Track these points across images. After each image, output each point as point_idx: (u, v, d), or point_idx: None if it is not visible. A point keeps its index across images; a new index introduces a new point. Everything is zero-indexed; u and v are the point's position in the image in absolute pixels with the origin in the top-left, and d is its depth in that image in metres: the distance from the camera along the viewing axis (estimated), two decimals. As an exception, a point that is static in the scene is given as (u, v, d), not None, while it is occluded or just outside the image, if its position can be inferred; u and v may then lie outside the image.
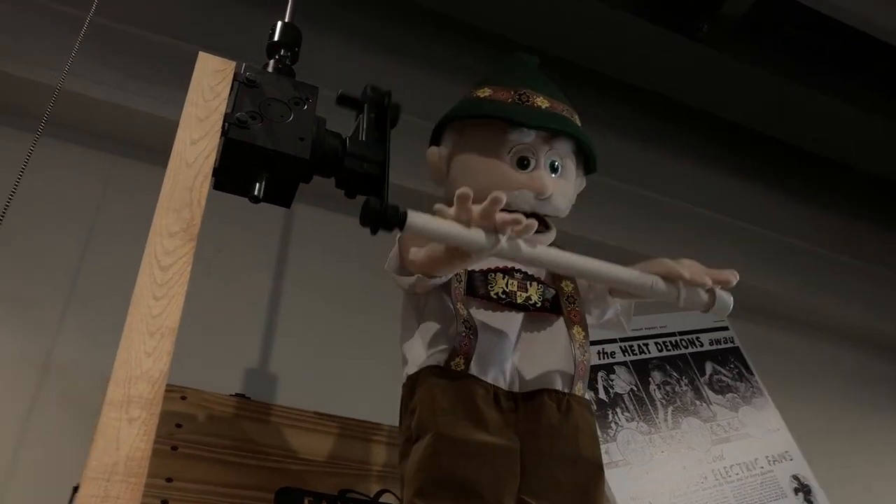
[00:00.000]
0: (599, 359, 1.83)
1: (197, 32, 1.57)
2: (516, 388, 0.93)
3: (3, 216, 0.86)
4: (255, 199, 0.88)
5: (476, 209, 0.79)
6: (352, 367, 1.39)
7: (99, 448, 0.58)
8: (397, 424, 0.96)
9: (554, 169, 1.02)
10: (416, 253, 0.90)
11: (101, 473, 0.57)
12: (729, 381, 1.96)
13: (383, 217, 0.76)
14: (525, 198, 0.99)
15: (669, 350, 1.94)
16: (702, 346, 2.00)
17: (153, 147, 1.30)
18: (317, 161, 0.87)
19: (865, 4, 2.03)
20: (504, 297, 0.95)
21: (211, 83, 0.85)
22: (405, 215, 0.76)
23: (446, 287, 0.95)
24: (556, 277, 1.02)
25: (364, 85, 0.92)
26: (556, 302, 0.99)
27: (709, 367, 1.97)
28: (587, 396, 0.97)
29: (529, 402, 0.92)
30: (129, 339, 0.64)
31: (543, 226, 1.03)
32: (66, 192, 1.41)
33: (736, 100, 2.17)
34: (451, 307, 0.93)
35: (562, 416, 0.92)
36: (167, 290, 0.68)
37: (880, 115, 2.21)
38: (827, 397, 2.15)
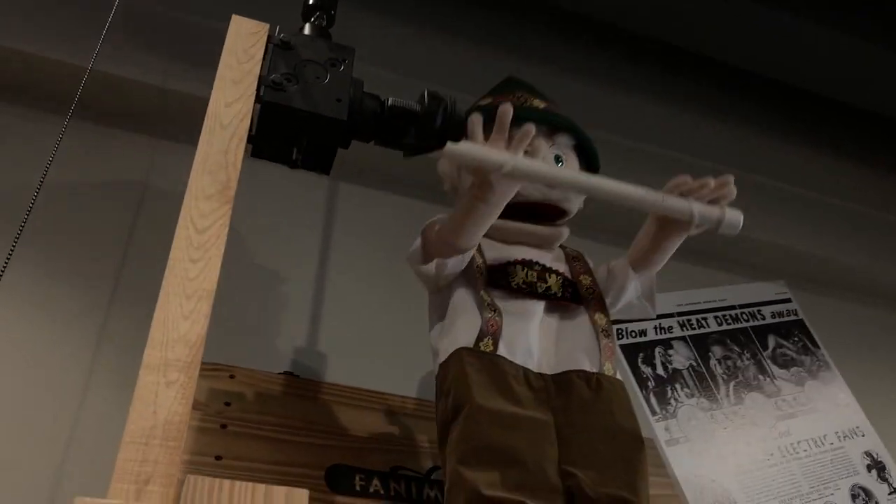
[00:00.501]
0: (656, 334, 1.78)
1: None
2: (545, 370, 0.93)
3: (34, 198, 0.85)
4: (294, 165, 0.86)
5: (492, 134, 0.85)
6: (399, 344, 1.37)
7: (137, 412, 0.56)
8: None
9: (558, 161, 1.05)
10: (443, 223, 0.94)
11: (139, 437, 0.55)
12: (793, 354, 1.88)
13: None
14: (536, 186, 1.00)
15: (730, 324, 1.87)
16: (763, 319, 1.92)
17: (197, 129, 1.30)
18: (354, 123, 0.84)
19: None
20: (525, 287, 0.98)
21: (245, 45, 0.82)
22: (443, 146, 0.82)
23: (468, 280, 0.98)
24: (574, 271, 1.04)
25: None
26: (577, 293, 1.01)
27: (772, 340, 1.89)
28: (618, 377, 0.96)
29: (559, 381, 0.92)
30: (166, 302, 0.62)
31: (557, 217, 1.06)
32: (112, 175, 1.41)
33: (799, 63, 2.08)
34: (475, 296, 0.96)
35: (592, 393, 0.92)
36: (203, 253, 0.65)
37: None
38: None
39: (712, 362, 1.77)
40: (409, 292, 1.30)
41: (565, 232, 1.07)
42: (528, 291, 0.97)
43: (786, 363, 1.86)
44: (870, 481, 1.73)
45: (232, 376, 1.18)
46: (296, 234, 1.49)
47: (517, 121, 0.97)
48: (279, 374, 1.23)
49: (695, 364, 1.75)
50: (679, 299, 1.83)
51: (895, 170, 2.30)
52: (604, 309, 1.01)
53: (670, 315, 1.81)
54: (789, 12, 1.91)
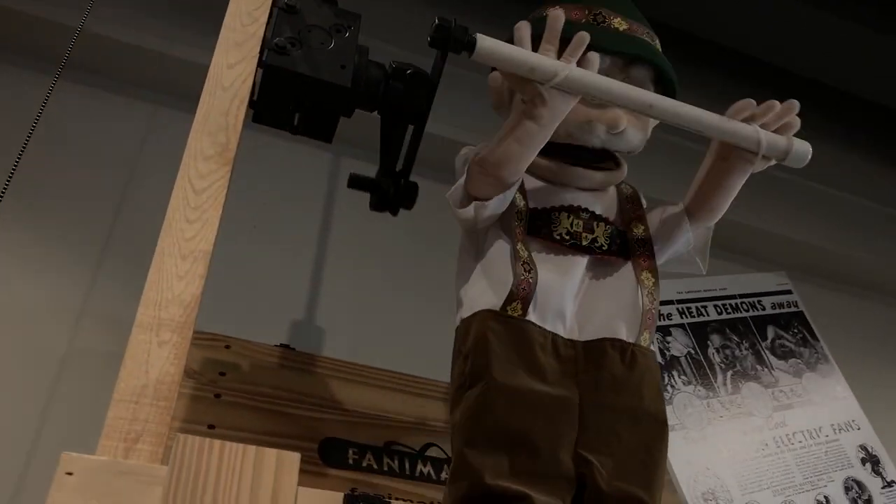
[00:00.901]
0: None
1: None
2: (576, 336, 0.85)
3: (19, 158, 0.84)
4: (295, 131, 0.84)
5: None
6: (397, 320, 1.36)
7: (128, 370, 0.55)
8: (442, 379, 0.92)
9: None
10: (484, 150, 0.84)
11: (130, 396, 0.54)
12: (792, 346, 1.87)
13: (452, 37, 0.74)
14: (596, 131, 0.89)
15: (729, 313, 1.86)
16: (764, 309, 1.91)
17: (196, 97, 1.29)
18: (358, 90, 0.83)
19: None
20: (568, 238, 0.88)
21: (248, 8, 0.81)
22: (475, 38, 0.75)
23: (506, 227, 0.88)
24: (626, 219, 0.93)
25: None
26: (625, 245, 0.91)
27: (771, 331, 1.88)
28: (653, 348, 0.90)
29: (591, 351, 0.84)
30: (161, 262, 0.61)
31: (613, 163, 0.95)
32: (109, 138, 1.40)
33: (806, 52, 2.06)
34: (511, 248, 0.87)
35: (625, 368, 0.83)
36: (201, 214, 0.64)
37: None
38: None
39: (710, 351, 1.77)
40: (410, 268, 1.29)
41: (623, 173, 0.96)
42: (570, 244, 0.88)
43: (784, 354, 1.85)
44: (863, 474, 1.73)
45: (227, 346, 1.17)
46: (298, 204, 1.48)
47: (589, 49, 0.85)
48: (275, 346, 1.22)
49: (693, 352, 1.75)
50: (679, 287, 1.83)
51: (890, 161, 2.29)
52: (653, 267, 0.90)
53: (670, 302, 1.80)
54: None
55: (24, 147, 0.78)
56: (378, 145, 1.53)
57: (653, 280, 0.89)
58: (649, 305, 0.88)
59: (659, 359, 1.69)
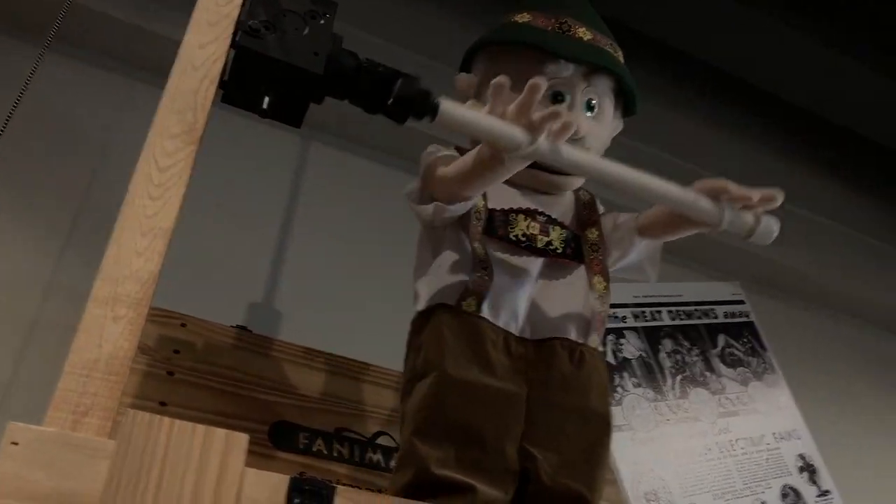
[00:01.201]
0: (610, 322, 1.80)
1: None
2: (528, 335, 0.88)
3: (3, 129, 0.83)
4: (264, 114, 0.84)
5: (513, 104, 0.74)
6: (356, 308, 1.37)
7: (81, 343, 0.55)
8: (396, 368, 0.93)
9: (590, 108, 0.95)
10: (445, 170, 0.86)
11: (81, 369, 0.54)
12: (741, 355, 1.92)
13: (416, 103, 0.74)
14: None
15: (683, 319, 1.90)
16: (716, 317, 1.96)
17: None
18: (330, 78, 0.83)
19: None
20: (524, 239, 0.91)
21: (224, -12, 0.81)
22: (438, 103, 0.73)
23: (464, 225, 0.91)
24: (581, 224, 0.96)
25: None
26: (579, 249, 0.94)
27: (721, 339, 1.93)
28: (602, 349, 0.93)
29: (541, 350, 0.88)
30: (120, 237, 0.61)
31: None
32: (82, 111, 1.38)
33: (775, 70, 2.11)
34: (468, 246, 0.89)
35: (574, 367, 0.87)
36: (164, 192, 0.64)
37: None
38: (841, 379, 2.11)
39: (661, 355, 1.80)
40: (372, 257, 1.30)
41: (581, 179, 0.98)
42: (526, 245, 0.90)
43: (733, 363, 1.90)
44: (801, 483, 1.78)
45: (183, 325, 1.17)
46: (263, 187, 1.47)
47: (555, 56, 0.89)
48: (232, 326, 1.22)
49: (644, 355, 1.78)
50: (635, 290, 1.86)
51: (857, 183, 2.35)
52: (605, 272, 0.94)
53: (625, 305, 1.83)
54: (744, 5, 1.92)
55: (7, 119, 0.77)
56: (347, 133, 1.53)
57: (604, 284, 0.93)
58: (599, 308, 0.91)
59: (612, 360, 1.73)
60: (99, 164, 1.34)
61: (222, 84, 0.80)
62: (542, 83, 0.73)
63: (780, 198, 0.85)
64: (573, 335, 0.89)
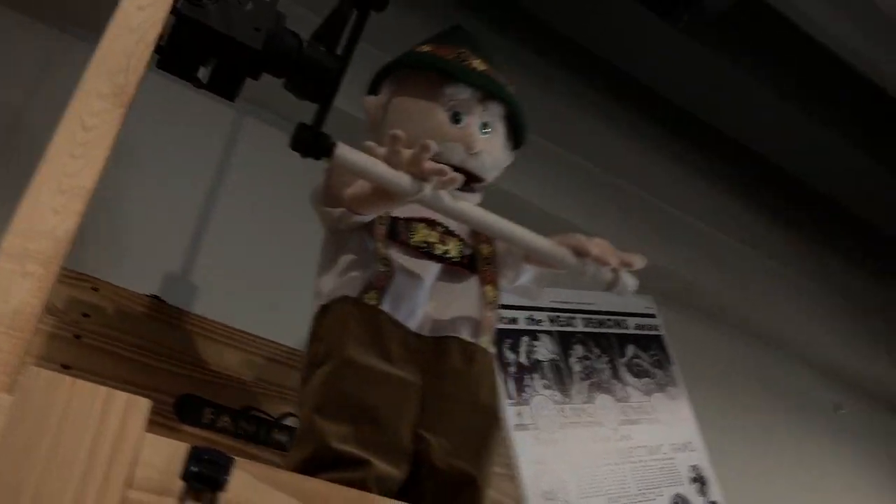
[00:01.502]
0: (526, 324, 1.84)
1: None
2: (425, 332, 0.94)
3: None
4: (199, 84, 0.84)
5: (406, 153, 0.81)
6: (275, 288, 1.36)
7: (-15, 297, 0.54)
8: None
9: (485, 129, 1.03)
10: (344, 186, 0.91)
11: (-16, 323, 0.53)
12: (647, 366, 1.99)
13: (313, 143, 0.79)
14: (456, 150, 0.99)
15: (595, 327, 1.96)
16: (627, 328, 2.03)
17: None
18: (269, 55, 0.83)
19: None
20: (424, 245, 0.97)
21: (169, -48, 0.80)
22: (334, 146, 0.79)
23: (368, 227, 0.96)
24: (475, 238, 1.04)
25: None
26: (473, 260, 1.01)
27: (630, 349, 2.00)
28: (491, 350, 0.99)
29: (436, 345, 0.93)
30: (37, 193, 0.60)
31: (472, 181, 1.03)
32: (8, 59, 1.33)
33: (694, 92, 2.18)
34: (371, 246, 0.95)
35: (465, 363, 0.93)
36: (87, 151, 0.63)
37: (835, 137, 2.26)
38: (738, 398, 2.21)
39: (572, 360, 1.86)
40: (295, 239, 1.29)
41: (477, 198, 1.06)
42: (425, 251, 0.96)
43: (639, 373, 1.97)
44: (691, 492, 1.86)
45: (95, 289, 1.14)
46: (191, 157, 1.45)
47: (454, 80, 0.98)
48: (146, 295, 1.20)
49: (556, 358, 1.83)
50: (553, 296, 1.91)
51: (767, 209, 2.46)
52: (495, 282, 1.01)
53: (542, 309, 1.88)
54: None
55: None
56: (282, 110, 1.52)
57: (494, 293, 1.01)
58: (489, 314, 0.99)
59: (525, 361, 1.77)
60: (19, 116, 1.29)
61: (158, 49, 0.79)
62: (432, 144, 0.81)
63: (640, 263, 0.96)
64: (465, 335, 0.96)
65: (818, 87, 2.30)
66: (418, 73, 1.02)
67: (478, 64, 1.04)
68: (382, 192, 0.84)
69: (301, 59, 0.85)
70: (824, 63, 2.28)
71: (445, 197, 0.85)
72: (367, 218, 0.94)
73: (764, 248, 2.38)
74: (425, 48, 1.05)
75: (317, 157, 0.81)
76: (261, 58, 0.82)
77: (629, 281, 0.96)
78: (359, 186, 0.89)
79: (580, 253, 0.94)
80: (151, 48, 0.73)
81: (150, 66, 0.73)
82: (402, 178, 0.82)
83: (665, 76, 2.14)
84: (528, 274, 1.07)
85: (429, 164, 0.81)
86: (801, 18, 2.24)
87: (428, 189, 0.83)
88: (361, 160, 0.81)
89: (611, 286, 0.96)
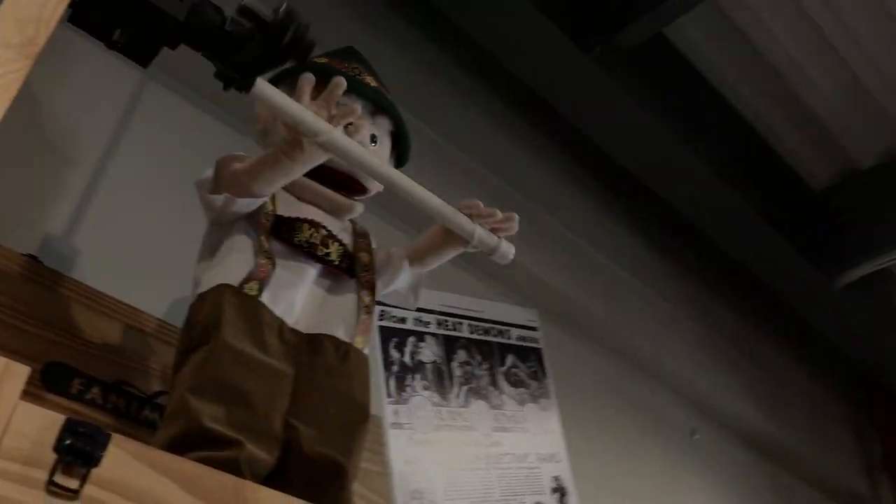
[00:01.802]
0: (414, 325, 1.86)
1: None
2: (301, 328, 0.96)
3: None
4: (112, 46, 0.81)
5: (319, 98, 0.87)
6: (160, 262, 1.31)
7: None
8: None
9: (374, 140, 1.08)
10: (240, 165, 0.93)
11: None
12: (524, 377, 2.05)
13: (237, 77, 0.81)
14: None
15: (480, 335, 2.01)
16: (510, 338, 2.08)
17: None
18: (190, 28, 0.81)
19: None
20: (306, 245, 0.99)
21: None
22: (254, 81, 0.81)
23: (252, 222, 0.98)
24: (357, 246, 1.08)
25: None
26: (353, 266, 1.05)
27: (510, 359, 2.05)
28: (366, 351, 1.02)
29: (311, 342, 0.96)
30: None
31: (356, 192, 1.08)
32: None
33: (598, 121, 2.26)
34: (254, 240, 0.96)
35: (339, 360, 0.96)
36: (-15, 101, 0.60)
37: (720, 182, 2.41)
38: (606, 417, 2.31)
39: (454, 364, 1.89)
40: (188, 215, 1.26)
41: (360, 207, 1.10)
42: (307, 251, 0.99)
43: (515, 383, 2.03)
44: (551, 502, 1.93)
45: (-33, 241, 1.08)
46: (90, 117, 1.38)
47: (348, 91, 0.98)
48: (22, 254, 1.14)
49: (439, 361, 1.86)
50: (443, 299, 1.94)
51: (655, 243, 2.59)
52: (372, 289, 1.05)
53: (431, 311, 1.91)
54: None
55: None
56: (192, 83, 1.48)
57: (370, 298, 1.04)
58: (364, 317, 1.02)
59: (409, 361, 1.79)
60: None
61: (73, 3, 0.76)
62: (343, 81, 0.88)
63: (515, 218, 1.05)
64: (341, 334, 0.99)
65: (711, 132, 2.44)
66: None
67: (369, 80, 1.09)
68: (288, 146, 0.87)
69: (223, 35, 0.84)
70: (718, 110, 2.43)
71: (353, 144, 0.89)
72: (254, 203, 0.95)
73: (647, 279, 2.50)
74: (322, 59, 1.09)
75: (239, 91, 0.82)
76: (181, 28, 0.80)
77: (509, 249, 1.03)
78: (256, 157, 0.91)
79: (472, 215, 1.01)
80: (66, 2, 0.70)
81: (62, 20, 0.70)
82: (314, 118, 0.85)
83: (571, 101, 2.21)
84: (405, 278, 1.11)
85: (338, 109, 0.87)
86: (703, 65, 2.38)
87: (338, 132, 0.86)
88: (279, 96, 0.83)
89: (493, 252, 1.02)
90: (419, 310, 1.87)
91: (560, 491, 1.96)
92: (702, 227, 2.56)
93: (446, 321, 1.93)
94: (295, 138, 0.87)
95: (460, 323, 1.96)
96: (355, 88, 1.02)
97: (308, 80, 0.89)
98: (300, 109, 0.85)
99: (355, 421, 0.95)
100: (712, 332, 2.71)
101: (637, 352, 2.43)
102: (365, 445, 0.96)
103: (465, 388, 1.88)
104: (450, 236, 1.05)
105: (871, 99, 2.53)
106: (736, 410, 2.70)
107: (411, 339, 1.82)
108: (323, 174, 1.01)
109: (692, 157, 2.32)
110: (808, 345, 3.08)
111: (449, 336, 1.92)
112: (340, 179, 1.05)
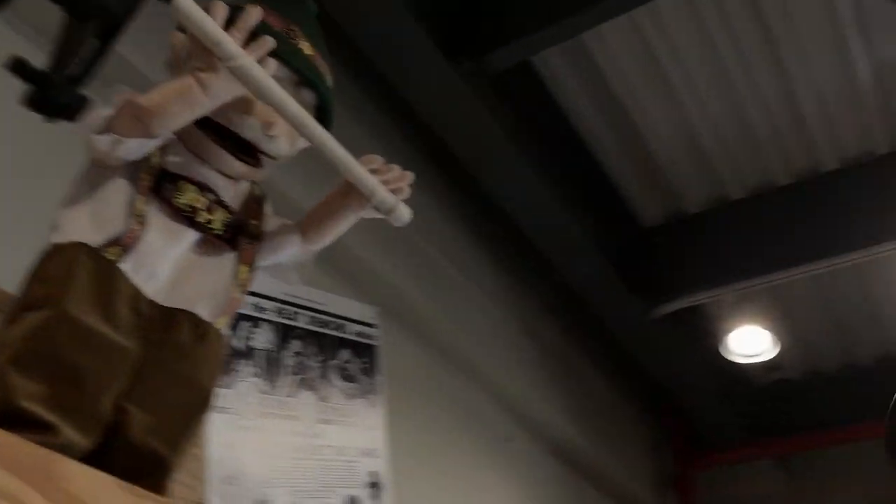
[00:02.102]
0: (251, 310, 1.85)
1: None
2: (160, 300, 0.88)
3: None
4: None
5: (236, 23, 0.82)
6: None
7: None
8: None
9: None
10: (143, 96, 0.84)
11: None
12: (356, 372, 2.09)
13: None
14: (253, 126, 0.95)
15: (317, 327, 2.02)
16: (347, 333, 2.11)
17: None
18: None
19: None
20: (188, 209, 0.91)
21: None
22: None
23: (134, 174, 0.89)
24: (247, 215, 0.99)
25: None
26: (236, 236, 0.97)
27: (345, 353, 2.08)
28: (225, 333, 0.97)
29: (168, 317, 0.89)
30: None
31: (257, 161, 0.99)
32: None
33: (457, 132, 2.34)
34: (130, 197, 0.87)
35: (194, 341, 0.89)
36: None
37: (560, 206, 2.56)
38: (431, 419, 2.39)
39: (287, 353, 1.89)
40: (21, 167, 1.20)
41: (262, 174, 1.01)
42: (187, 216, 0.90)
43: (346, 377, 2.06)
44: (364, 495, 1.97)
45: None
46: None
47: (275, 55, 0.91)
48: None
49: (272, 349, 1.86)
50: (286, 287, 1.94)
51: (494, 253, 2.71)
52: (252, 263, 0.98)
53: (272, 298, 1.90)
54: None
55: None
56: (53, 35, 1.40)
57: (247, 274, 0.97)
58: (236, 295, 0.95)
59: (242, 346, 1.78)
60: None
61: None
62: (258, 12, 0.84)
63: (410, 178, 1.00)
64: (203, 313, 0.93)
65: (557, 158, 2.59)
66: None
67: (305, 47, 1.00)
68: (201, 71, 0.82)
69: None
70: (570, 143, 2.58)
71: (263, 74, 0.84)
72: (145, 146, 0.86)
73: (484, 287, 2.61)
74: (255, 8, 0.97)
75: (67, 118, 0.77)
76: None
77: (406, 210, 0.99)
78: (163, 85, 0.84)
79: (375, 171, 0.96)
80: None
81: None
82: (229, 41, 0.81)
83: (425, 101, 2.26)
84: (292, 251, 1.03)
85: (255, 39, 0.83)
86: (560, 96, 2.52)
87: (251, 59, 0.82)
88: (198, 12, 0.79)
89: (390, 212, 0.98)
90: (258, 295, 1.86)
91: (375, 486, 2.01)
92: (538, 245, 2.70)
93: (286, 310, 1.92)
94: (210, 61, 0.81)
95: (299, 313, 1.96)
96: (285, 55, 0.94)
97: (221, 6, 0.82)
98: (217, 30, 0.80)
99: (195, 410, 0.89)
100: (537, 344, 2.87)
101: (465, 356, 2.53)
102: (198, 434, 0.92)
103: (295, 378, 1.88)
104: (347, 198, 0.99)
105: (703, 150, 2.78)
106: (550, 421, 2.88)
107: (246, 325, 1.80)
108: (224, 133, 0.93)
109: (535, 177, 2.44)
110: (621, 367, 3.33)
111: (286, 325, 1.92)
112: (241, 143, 0.96)
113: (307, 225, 1.03)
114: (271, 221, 1.03)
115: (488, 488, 2.57)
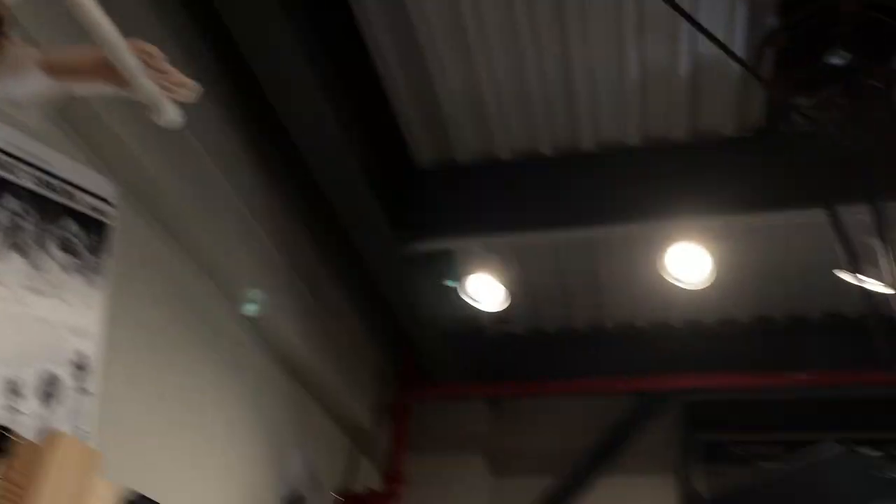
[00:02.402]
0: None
1: None
2: None
3: None
4: None
5: None
6: None
7: None
8: None
9: None
10: None
11: None
12: (81, 247, 1.95)
13: None
14: None
15: (42, 189, 1.85)
16: (77, 203, 1.95)
17: None
18: None
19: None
20: None
21: None
22: None
23: None
24: None
25: None
26: None
27: (71, 225, 1.93)
28: None
29: None
30: None
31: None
32: None
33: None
34: None
35: None
36: None
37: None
38: (161, 310, 2.30)
39: (1, 212, 1.72)
40: None
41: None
42: None
43: (69, 250, 1.91)
44: (66, 374, 1.86)
45: None
46: None
47: None
48: None
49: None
50: (8, 137, 1.74)
51: (267, 160, 2.65)
52: None
53: (-10, 145, 1.71)
54: None
55: None
56: None
57: None
58: None
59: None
60: None
61: None
62: None
63: (192, 86, 0.93)
64: None
65: (349, 82, 2.57)
66: None
67: None
68: None
69: None
70: (362, 66, 2.54)
71: None
72: None
73: (242, 190, 2.54)
74: None
75: None
76: None
77: (176, 115, 0.91)
78: None
79: (146, 63, 0.88)
80: None
81: None
82: None
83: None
84: (31, 84, 0.94)
85: None
86: (365, 25, 2.48)
87: None
88: None
89: (152, 109, 0.90)
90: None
91: (81, 367, 1.91)
92: (311, 164, 2.68)
93: (5, 161, 1.73)
94: None
95: (19, 167, 1.78)
96: None
97: None
98: None
99: None
100: (287, 260, 2.86)
101: (207, 255, 2.46)
102: None
103: (7, 241, 1.71)
104: (106, 71, 0.90)
105: (483, 106, 2.89)
106: (284, 334, 2.89)
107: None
108: None
109: (324, 100, 2.40)
110: (367, 296, 3.42)
111: (2, 178, 1.73)
112: None
113: (49, 66, 0.94)
114: (14, 46, 0.93)
115: (207, 390, 2.54)
